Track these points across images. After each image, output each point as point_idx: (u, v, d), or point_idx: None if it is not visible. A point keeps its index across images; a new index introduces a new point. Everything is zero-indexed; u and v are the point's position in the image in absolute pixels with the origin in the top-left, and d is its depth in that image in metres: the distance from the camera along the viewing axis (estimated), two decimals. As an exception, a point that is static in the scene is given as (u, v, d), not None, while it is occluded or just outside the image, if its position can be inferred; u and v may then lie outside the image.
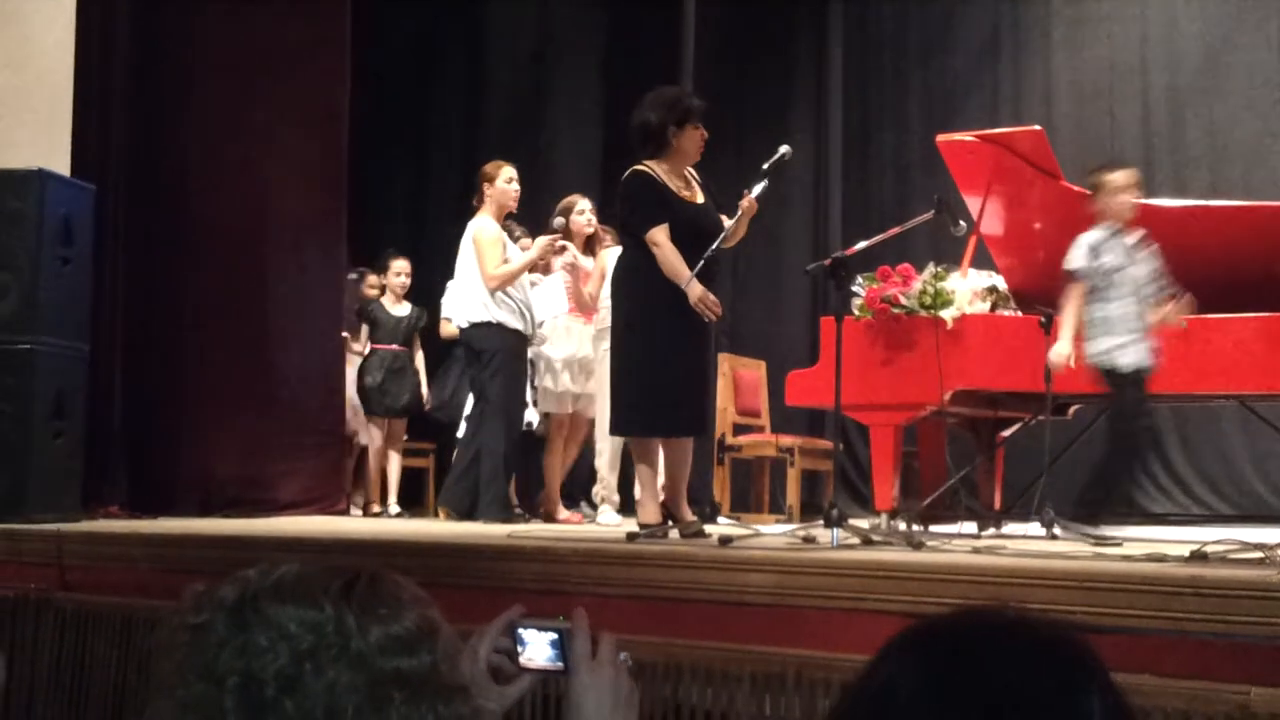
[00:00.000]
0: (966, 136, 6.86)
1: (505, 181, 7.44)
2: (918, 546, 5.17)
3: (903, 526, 6.39)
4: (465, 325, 7.44)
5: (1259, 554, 4.56)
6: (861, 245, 5.85)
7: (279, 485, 7.88)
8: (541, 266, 7.71)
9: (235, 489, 7.62)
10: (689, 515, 5.90)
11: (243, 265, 7.89)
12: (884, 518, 6.52)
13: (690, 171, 5.97)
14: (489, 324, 7.31)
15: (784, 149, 5.97)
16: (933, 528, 6.44)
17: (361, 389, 8.68)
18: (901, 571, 4.46)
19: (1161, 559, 4.71)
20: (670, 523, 5.90)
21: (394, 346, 8.67)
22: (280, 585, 1.26)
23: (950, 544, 5.50)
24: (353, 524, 7.48)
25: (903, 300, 6.55)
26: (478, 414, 7.47)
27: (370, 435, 8.70)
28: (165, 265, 7.70)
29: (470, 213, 7.54)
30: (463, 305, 7.47)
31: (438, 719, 1.25)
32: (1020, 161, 6.66)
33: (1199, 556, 4.66)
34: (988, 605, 1.17)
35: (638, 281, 5.79)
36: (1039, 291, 6.65)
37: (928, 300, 6.56)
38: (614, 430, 6.15)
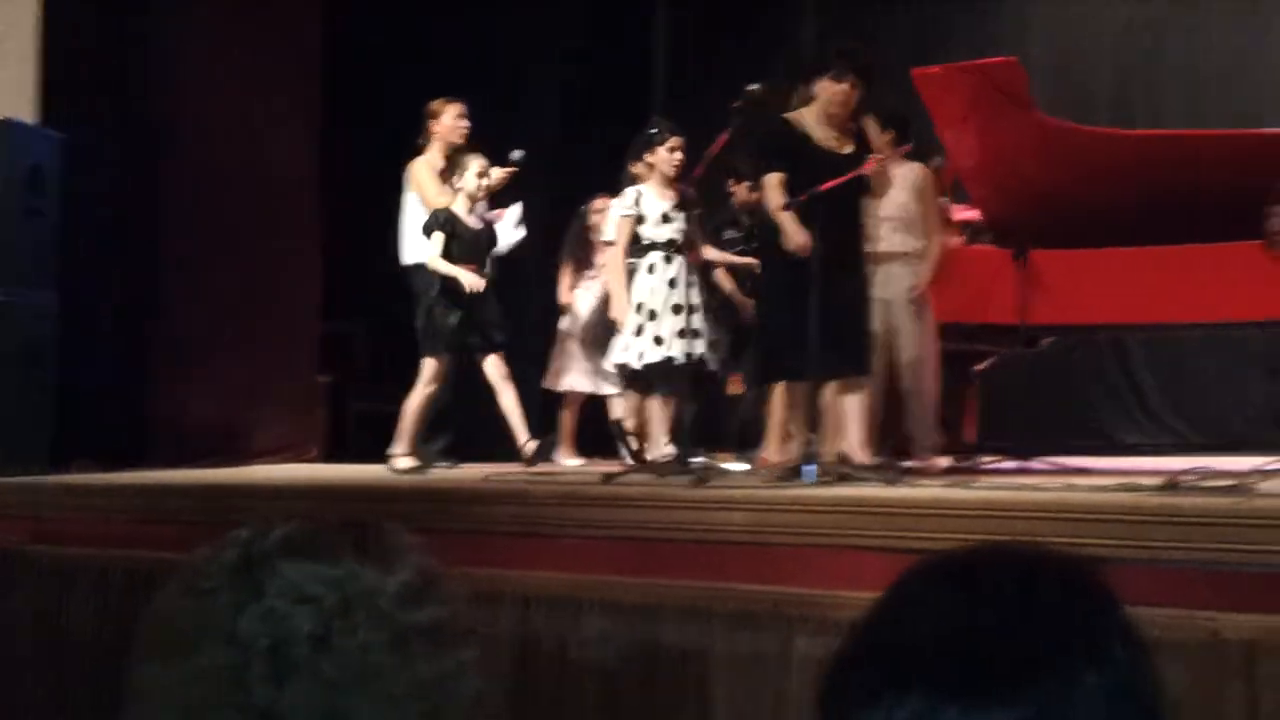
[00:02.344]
0: (941, 69, 6.82)
1: (453, 118, 7.27)
2: (894, 482, 5.19)
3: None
4: (408, 265, 7.27)
5: (1230, 482, 4.59)
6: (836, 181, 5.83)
7: (253, 433, 7.87)
8: None
9: (209, 438, 7.60)
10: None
11: (219, 215, 7.82)
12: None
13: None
14: (414, 267, 7.18)
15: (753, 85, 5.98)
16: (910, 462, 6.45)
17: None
18: (878, 507, 4.49)
19: (1134, 489, 4.74)
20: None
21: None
22: (289, 543, 1.23)
23: (924, 479, 5.52)
24: (326, 471, 7.46)
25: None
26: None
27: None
28: (142, 216, 7.64)
29: (416, 151, 7.38)
30: (405, 245, 7.30)
31: (458, 665, 1.24)
32: (995, 92, 6.64)
33: (1171, 486, 4.69)
34: (1002, 541, 1.16)
35: None
36: (1014, 223, 6.65)
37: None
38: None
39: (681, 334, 6.38)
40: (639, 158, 6.63)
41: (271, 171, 8.09)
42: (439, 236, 6.77)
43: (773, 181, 5.78)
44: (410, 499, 5.38)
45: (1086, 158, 6.53)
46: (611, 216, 6.83)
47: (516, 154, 6.95)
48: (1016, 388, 6.81)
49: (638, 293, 6.48)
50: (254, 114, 7.97)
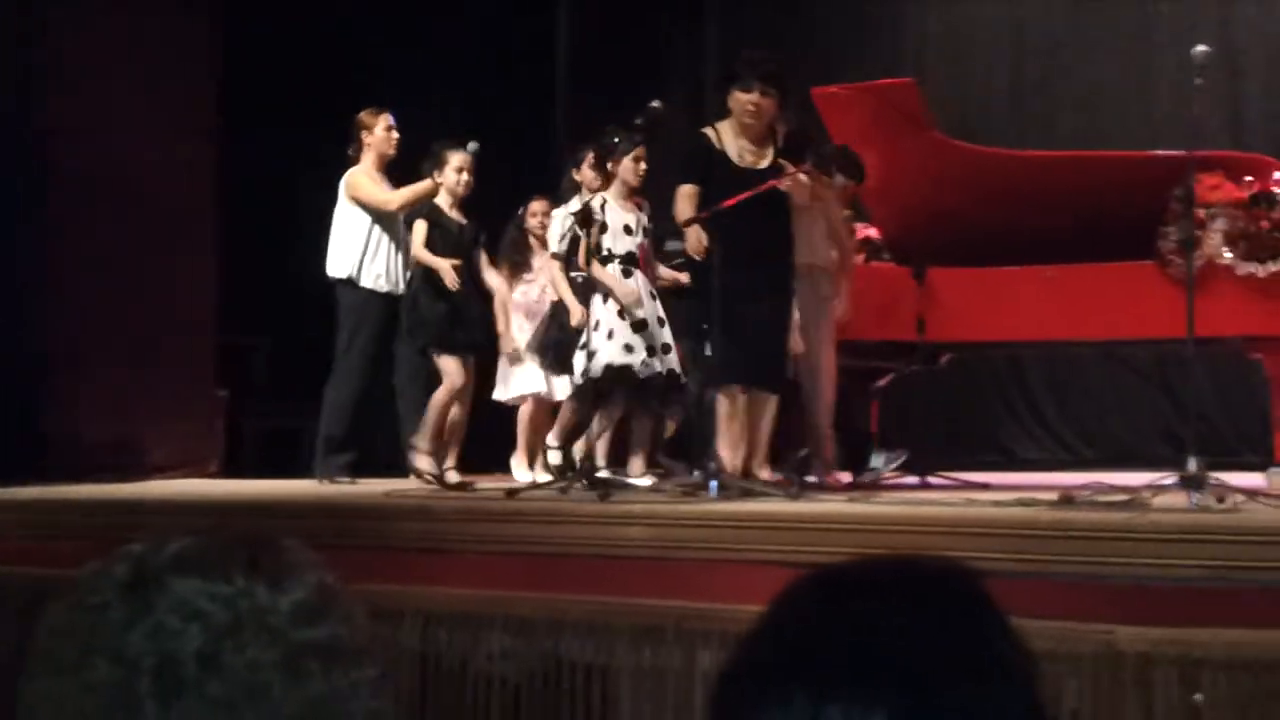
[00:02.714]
0: (840, 89, 6.89)
1: (384, 129, 7.25)
2: (796, 496, 5.22)
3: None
4: (335, 279, 7.21)
5: (1124, 497, 4.67)
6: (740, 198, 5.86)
7: (149, 448, 7.73)
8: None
9: (104, 453, 7.46)
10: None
11: (110, 225, 7.68)
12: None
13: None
14: (354, 284, 7.13)
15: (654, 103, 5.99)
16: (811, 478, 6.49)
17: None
18: (780, 522, 4.51)
19: (1031, 504, 4.81)
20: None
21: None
22: (182, 558, 1.20)
23: (826, 494, 5.56)
24: (223, 486, 7.35)
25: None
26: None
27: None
28: (29, 226, 7.48)
29: (347, 163, 7.34)
30: (334, 259, 7.24)
31: (352, 685, 1.22)
32: (894, 112, 6.72)
33: (1066, 501, 4.76)
34: (886, 552, 1.18)
35: None
36: (912, 241, 6.73)
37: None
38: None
39: (651, 350, 6.18)
40: (600, 165, 6.51)
41: (165, 182, 7.96)
42: (421, 225, 6.70)
43: (684, 193, 5.81)
44: (311, 515, 5.32)
45: (984, 178, 6.62)
46: (558, 224, 6.75)
47: (472, 145, 6.83)
48: (915, 404, 6.87)
49: (599, 305, 6.25)
50: (147, 122, 7.84)
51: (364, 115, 7.30)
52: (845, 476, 6.40)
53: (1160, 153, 6.46)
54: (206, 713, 1.14)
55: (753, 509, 4.81)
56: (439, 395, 6.73)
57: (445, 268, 6.57)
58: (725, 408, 5.76)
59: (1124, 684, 3.60)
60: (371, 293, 7.17)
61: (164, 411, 7.83)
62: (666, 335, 6.25)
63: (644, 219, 6.39)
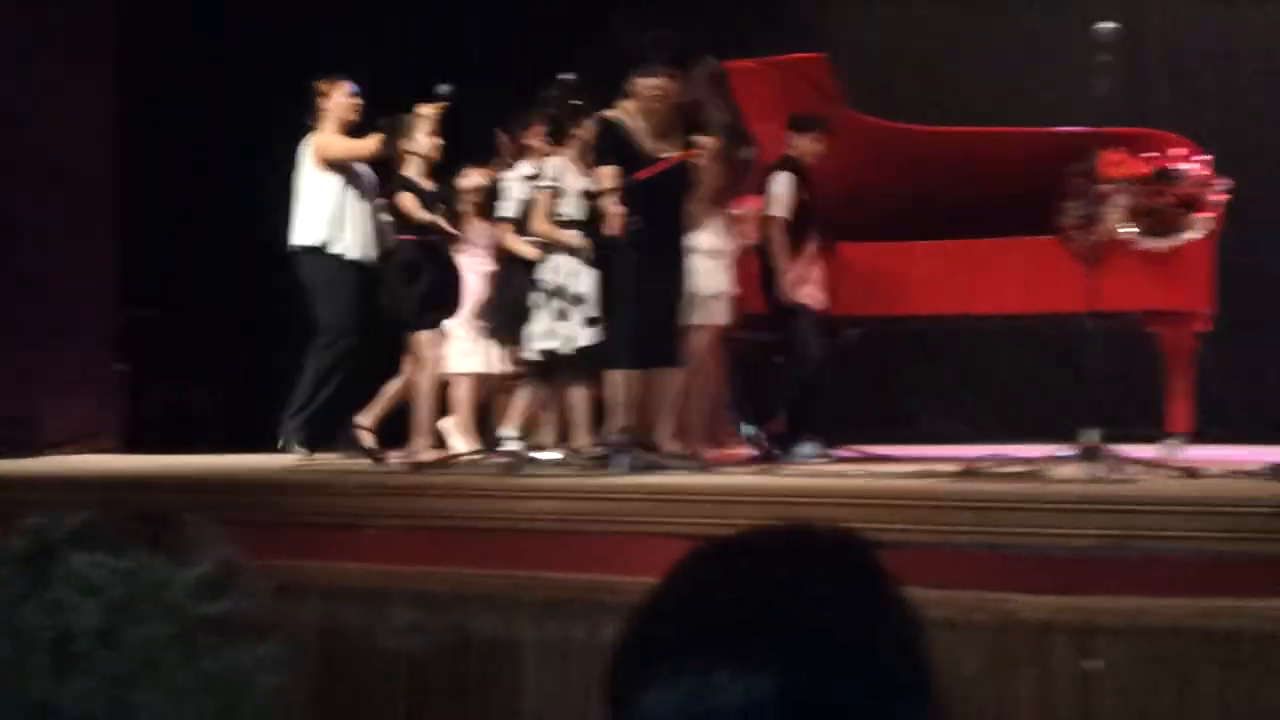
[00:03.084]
0: (751, 63, 6.90)
1: (344, 94, 7.09)
2: (702, 469, 5.24)
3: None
4: (299, 249, 7.03)
5: (1025, 469, 4.74)
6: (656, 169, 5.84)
7: (45, 423, 7.59)
8: None
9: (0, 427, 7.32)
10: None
11: (2, 193, 7.52)
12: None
13: None
14: (323, 252, 6.97)
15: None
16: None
17: None
18: (686, 494, 4.53)
19: (933, 475, 4.87)
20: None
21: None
22: (80, 533, 1.19)
23: (733, 466, 5.59)
24: (125, 461, 7.24)
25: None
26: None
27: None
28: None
29: (305, 131, 7.16)
30: (302, 227, 7.05)
31: (252, 661, 1.21)
32: (805, 87, 6.74)
33: (968, 472, 4.83)
34: (779, 522, 1.18)
35: None
36: (821, 216, 6.76)
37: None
38: None
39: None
40: (559, 131, 6.28)
41: (63, 153, 7.81)
42: (410, 196, 6.53)
43: (605, 175, 5.78)
44: (214, 490, 5.26)
45: (893, 153, 6.67)
46: (513, 190, 6.57)
47: (444, 88, 6.59)
48: (822, 378, 6.90)
49: (555, 274, 6.12)
50: (44, 92, 7.68)
51: (320, 83, 7.07)
52: (743, 450, 6.42)
53: (1064, 129, 6.54)
54: (102, 688, 1.12)
55: (660, 482, 4.82)
56: (424, 377, 6.59)
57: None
58: (622, 383, 5.77)
59: (1022, 652, 3.66)
60: (344, 261, 6.92)
61: (62, 386, 7.69)
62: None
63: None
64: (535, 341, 6.18)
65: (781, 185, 6.38)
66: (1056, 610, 3.68)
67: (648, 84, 5.82)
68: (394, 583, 4.51)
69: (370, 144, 6.75)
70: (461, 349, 6.95)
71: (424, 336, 6.59)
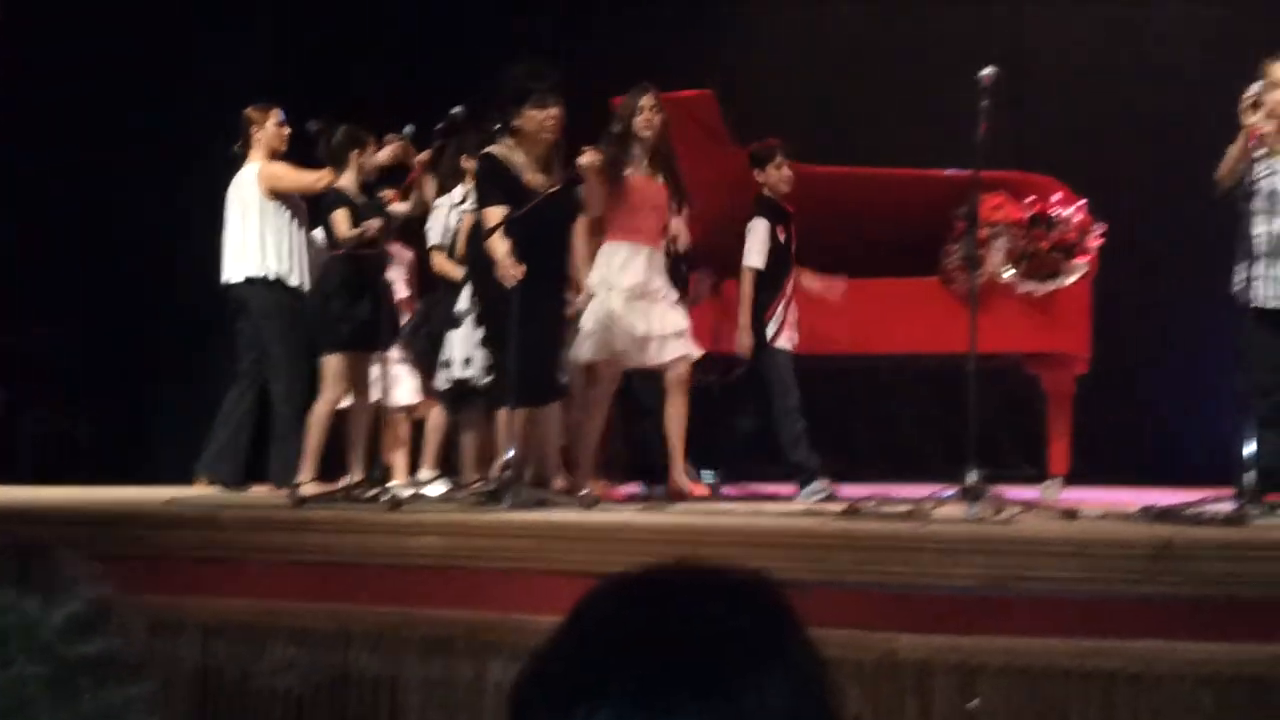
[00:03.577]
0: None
1: (275, 124, 6.99)
2: (589, 506, 5.22)
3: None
4: (239, 280, 6.94)
5: (907, 508, 4.78)
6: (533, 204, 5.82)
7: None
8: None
9: None
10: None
11: None
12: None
13: None
14: (281, 285, 6.84)
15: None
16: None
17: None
18: (573, 532, 4.51)
19: (818, 514, 4.90)
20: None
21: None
22: None
23: (621, 504, 5.58)
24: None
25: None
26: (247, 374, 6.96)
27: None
28: None
29: (234, 160, 7.05)
30: (250, 259, 6.87)
31: (125, 701, 1.17)
32: (692, 124, 6.77)
33: (852, 512, 4.86)
34: (684, 560, 1.18)
35: None
36: (711, 253, 6.80)
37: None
38: None
39: None
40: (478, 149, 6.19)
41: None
42: (344, 212, 6.40)
43: (493, 215, 5.71)
44: (88, 523, 5.12)
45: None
46: (441, 215, 6.59)
47: (408, 128, 6.56)
48: (714, 415, 6.92)
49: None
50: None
51: (252, 111, 6.99)
52: (624, 489, 6.42)
53: (947, 171, 6.66)
54: None
55: (547, 518, 4.79)
56: (321, 409, 6.45)
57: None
58: (506, 420, 5.74)
59: (904, 690, 3.69)
60: (298, 294, 6.86)
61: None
62: None
63: None
64: (452, 370, 6.17)
65: (756, 234, 6.45)
66: (938, 649, 3.72)
67: (541, 115, 5.78)
68: (274, 619, 4.44)
69: (324, 179, 6.67)
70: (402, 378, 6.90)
71: (335, 362, 6.46)
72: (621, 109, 6.15)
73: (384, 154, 6.74)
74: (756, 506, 5.42)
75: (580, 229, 6.20)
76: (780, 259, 6.50)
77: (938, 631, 3.77)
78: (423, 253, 7.05)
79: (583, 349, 6.05)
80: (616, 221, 6.12)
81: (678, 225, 6.22)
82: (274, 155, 6.99)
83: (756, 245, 6.46)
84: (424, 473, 6.87)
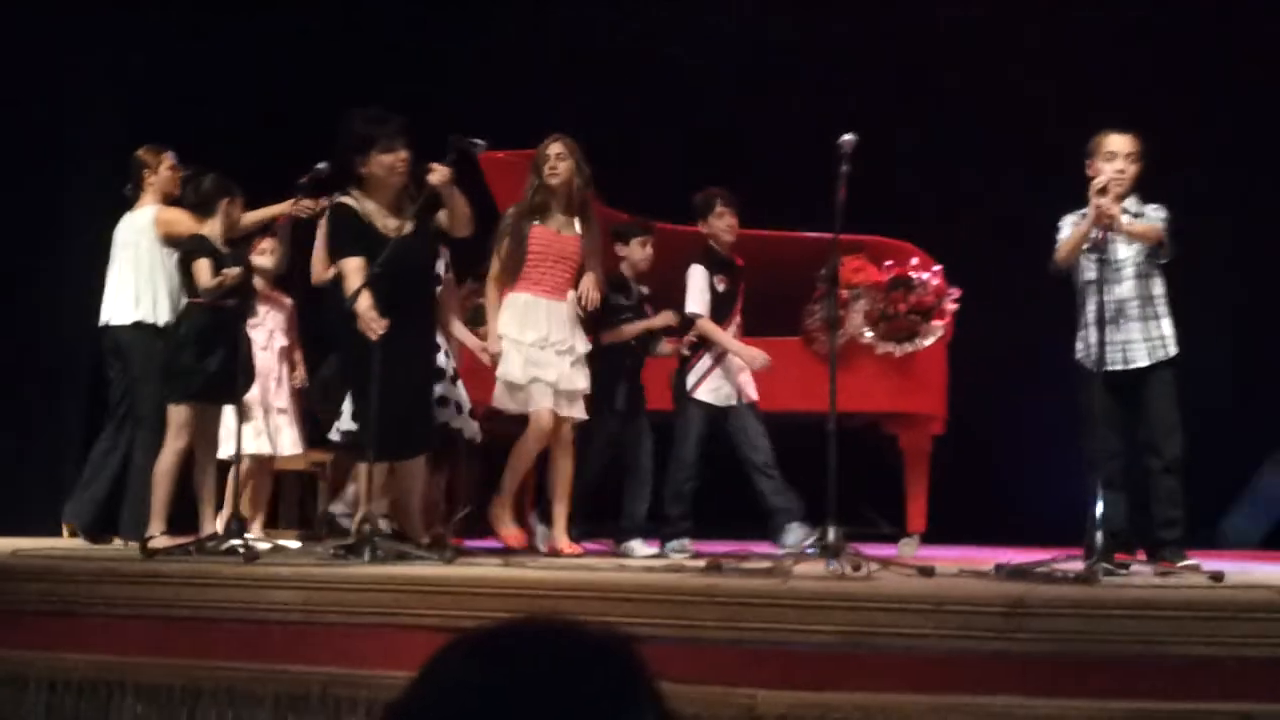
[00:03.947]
0: (505, 154, 6.92)
1: (168, 168, 6.84)
2: (450, 561, 5.17)
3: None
4: (123, 324, 6.70)
5: (768, 564, 4.81)
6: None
7: None
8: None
9: None
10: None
11: None
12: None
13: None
14: (155, 327, 6.64)
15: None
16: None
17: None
18: (433, 586, 4.46)
19: (680, 569, 4.91)
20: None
21: None
22: None
23: (481, 558, 5.53)
24: None
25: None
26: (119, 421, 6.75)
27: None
28: None
29: (123, 203, 6.87)
30: (144, 303, 6.71)
31: None
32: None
33: (714, 568, 4.88)
34: (539, 615, 1.17)
35: None
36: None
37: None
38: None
39: None
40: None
41: None
42: (205, 262, 6.23)
43: (352, 266, 5.63)
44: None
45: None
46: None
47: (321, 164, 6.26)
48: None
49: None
50: None
51: (144, 153, 6.85)
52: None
53: (809, 234, 6.76)
54: None
55: (405, 572, 4.73)
56: (166, 460, 6.28)
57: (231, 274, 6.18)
58: (365, 473, 5.66)
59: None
60: (155, 328, 6.72)
61: None
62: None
63: None
64: (342, 421, 6.08)
65: (694, 281, 6.58)
66: (796, 705, 3.73)
67: (389, 159, 5.72)
68: (122, 674, 4.31)
69: (216, 227, 6.52)
70: (255, 429, 6.77)
71: (181, 413, 6.33)
72: (536, 158, 6.18)
73: (279, 209, 6.70)
74: (620, 561, 5.41)
75: (491, 278, 6.22)
76: (717, 309, 6.55)
77: (797, 687, 3.78)
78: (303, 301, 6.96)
79: (499, 401, 6.14)
80: (520, 271, 6.16)
81: (587, 284, 6.21)
82: (167, 199, 6.88)
83: (694, 292, 6.54)
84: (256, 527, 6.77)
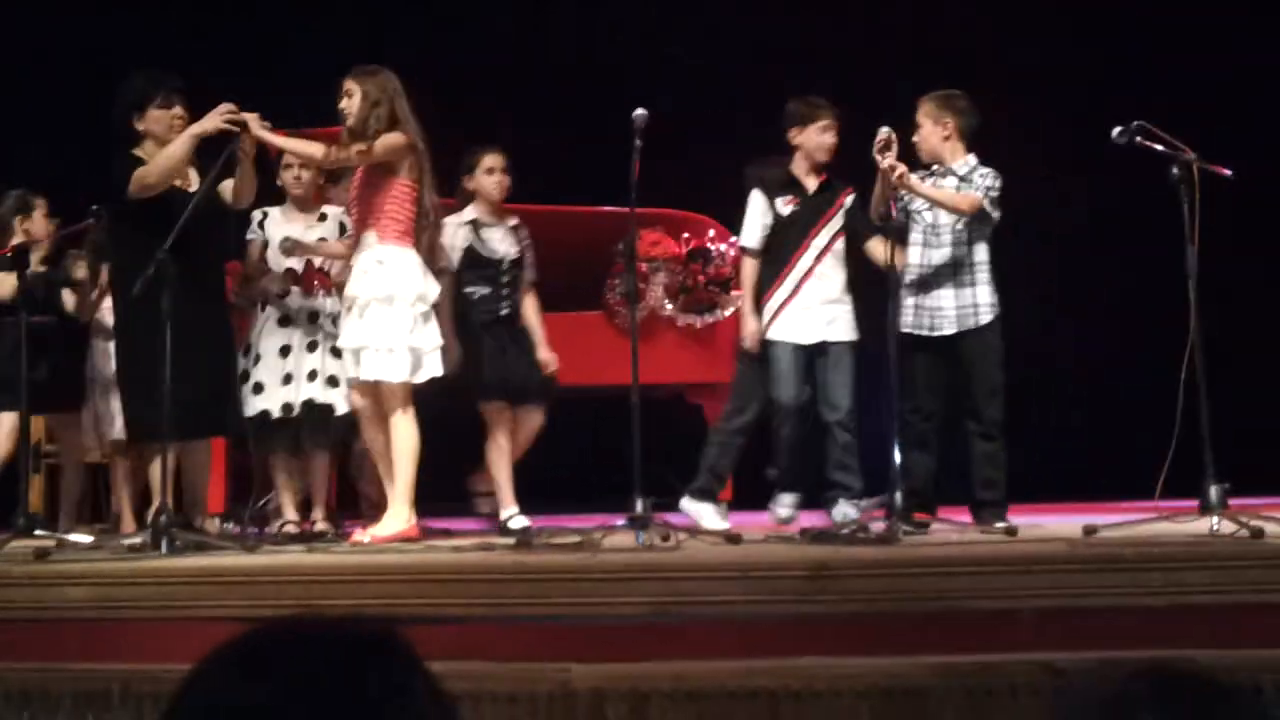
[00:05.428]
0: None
1: None
2: (252, 550, 5.06)
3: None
4: None
5: (576, 539, 4.82)
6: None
7: None
8: None
9: None
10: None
11: None
12: (217, 521, 6.33)
13: None
14: None
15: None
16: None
17: None
18: (232, 576, 4.36)
19: (490, 548, 4.89)
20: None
21: None
22: None
23: (285, 546, 5.42)
24: None
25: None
26: None
27: None
28: None
29: None
30: None
31: None
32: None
33: (524, 544, 4.87)
34: (294, 616, 1.14)
35: None
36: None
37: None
38: None
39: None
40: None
41: None
42: (6, 276, 6.17)
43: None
44: None
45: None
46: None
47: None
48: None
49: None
50: None
51: None
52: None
53: (606, 208, 6.78)
54: None
55: (206, 563, 4.61)
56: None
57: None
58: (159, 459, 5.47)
59: (580, 718, 3.70)
60: None
61: None
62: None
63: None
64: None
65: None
66: (609, 677, 3.75)
67: (168, 114, 5.59)
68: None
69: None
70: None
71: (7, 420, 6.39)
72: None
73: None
74: (428, 542, 5.34)
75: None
76: (782, 233, 5.99)
77: (610, 659, 3.80)
78: None
79: None
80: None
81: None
82: None
83: (745, 222, 6.08)
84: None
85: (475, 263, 6.00)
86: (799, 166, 6.00)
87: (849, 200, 5.98)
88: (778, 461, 5.98)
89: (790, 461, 5.95)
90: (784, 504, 6.01)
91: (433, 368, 5.51)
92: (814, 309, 5.90)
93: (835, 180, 6.05)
